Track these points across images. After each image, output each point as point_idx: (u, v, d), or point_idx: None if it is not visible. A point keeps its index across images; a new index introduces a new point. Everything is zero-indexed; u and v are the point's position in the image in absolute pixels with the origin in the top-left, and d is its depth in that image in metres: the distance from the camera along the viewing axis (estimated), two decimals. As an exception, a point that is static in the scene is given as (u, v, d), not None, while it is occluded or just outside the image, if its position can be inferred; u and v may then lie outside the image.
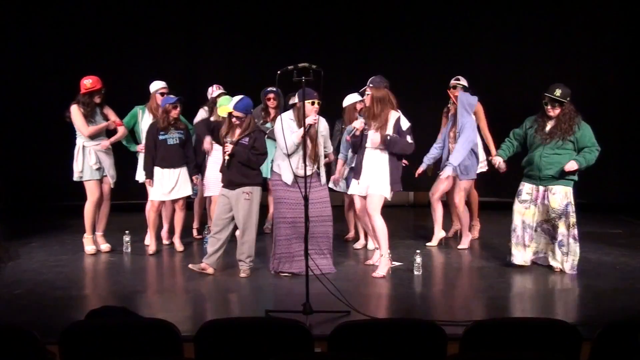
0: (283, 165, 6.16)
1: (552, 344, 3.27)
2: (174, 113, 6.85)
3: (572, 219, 6.18)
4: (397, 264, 6.47)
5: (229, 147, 6.11)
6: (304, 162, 5.43)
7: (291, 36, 9.39)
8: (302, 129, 5.71)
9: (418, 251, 6.41)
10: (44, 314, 5.14)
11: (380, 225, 6.15)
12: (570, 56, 9.44)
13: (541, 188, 6.23)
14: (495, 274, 6.31)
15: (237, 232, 6.39)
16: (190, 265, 6.34)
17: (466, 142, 6.93)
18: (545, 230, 6.33)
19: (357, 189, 6.31)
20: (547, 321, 3.99)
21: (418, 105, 7.89)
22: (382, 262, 6.21)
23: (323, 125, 6.27)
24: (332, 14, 9.57)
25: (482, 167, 7.44)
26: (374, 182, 6.17)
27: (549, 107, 6.19)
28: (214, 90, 7.45)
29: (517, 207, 6.32)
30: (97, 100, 6.87)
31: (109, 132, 7.11)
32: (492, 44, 9.53)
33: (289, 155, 5.97)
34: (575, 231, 6.19)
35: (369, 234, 6.96)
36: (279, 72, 5.14)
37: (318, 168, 6.23)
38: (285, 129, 5.87)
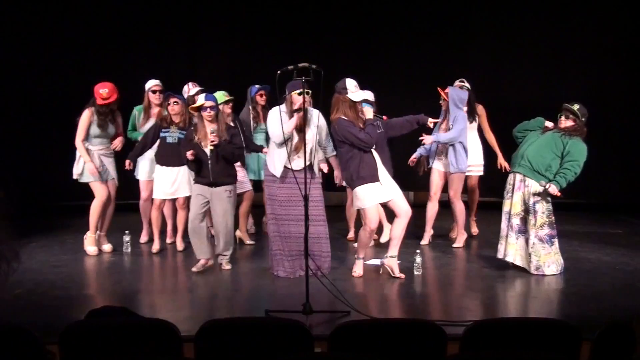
0: (275, 155, 6.09)
1: (552, 344, 3.27)
2: (171, 109, 6.82)
3: (540, 220, 6.12)
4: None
5: (214, 137, 6.10)
6: (301, 153, 5.47)
7: (291, 36, 9.39)
8: (294, 118, 5.81)
9: (418, 251, 6.41)
10: (44, 314, 5.14)
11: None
12: (570, 56, 9.43)
13: (518, 176, 6.22)
14: (495, 274, 6.31)
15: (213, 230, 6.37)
16: (193, 269, 6.31)
17: (458, 131, 7.01)
18: (512, 227, 6.25)
19: (384, 195, 6.05)
20: (547, 321, 3.99)
21: (418, 105, 7.88)
22: (395, 262, 6.18)
23: (317, 118, 6.04)
24: (332, 14, 9.56)
25: (479, 171, 7.53)
26: (392, 182, 6.12)
27: (562, 117, 6.21)
28: (190, 88, 7.35)
29: (503, 200, 6.35)
30: (114, 107, 6.88)
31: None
32: (492, 44, 9.52)
33: (283, 143, 5.91)
34: (543, 233, 6.12)
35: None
36: (278, 72, 5.14)
37: (311, 161, 6.02)
38: (278, 119, 5.82)
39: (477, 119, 7.47)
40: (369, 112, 6.12)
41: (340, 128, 5.94)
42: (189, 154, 6.11)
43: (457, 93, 7.10)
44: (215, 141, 6.10)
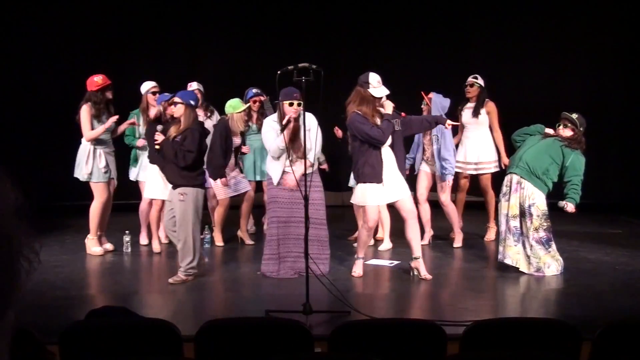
0: (272, 165, 6.12)
1: (552, 344, 3.27)
2: (170, 110, 6.80)
3: (536, 222, 6.11)
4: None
5: (159, 137, 5.98)
6: (291, 159, 5.47)
7: (291, 36, 9.39)
8: (283, 133, 5.76)
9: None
10: (44, 314, 5.12)
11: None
12: (570, 56, 9.43)
13: (514, 178, 6.22)
14: (495, 274, 6.31)
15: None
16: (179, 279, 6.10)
17: (450, 145, 7.01)
18: (510, 230, 6.24)
19: (385, 196, 5.99)
20: (547, 321, 3.99)
21: (418, 105, 7.89)
22: (420, 263, 6.09)
23: (310, 122, 5.86)
24: (332, 14, 9.56)
25: (490, 168, 7.49)
26: (403, 182, 6.04)
27: (560, 127, 6.22)
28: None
29: (500, 202, 6.35)
30: (109, 95, 6.84)
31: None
32: (492, 43, 9.53)
33: (278, 158, 5.95)
34: (539, 235, 6.12)
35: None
36: (279, 72, 5.13)
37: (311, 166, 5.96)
38: (271, 131, 5.85)
39: (480, 115, 7.37)
40: (389, 107, 5.93)
41: (352, 123, 5.85)
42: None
43: (440, 100, 7.04)
44: (157, 140, 6.00)
